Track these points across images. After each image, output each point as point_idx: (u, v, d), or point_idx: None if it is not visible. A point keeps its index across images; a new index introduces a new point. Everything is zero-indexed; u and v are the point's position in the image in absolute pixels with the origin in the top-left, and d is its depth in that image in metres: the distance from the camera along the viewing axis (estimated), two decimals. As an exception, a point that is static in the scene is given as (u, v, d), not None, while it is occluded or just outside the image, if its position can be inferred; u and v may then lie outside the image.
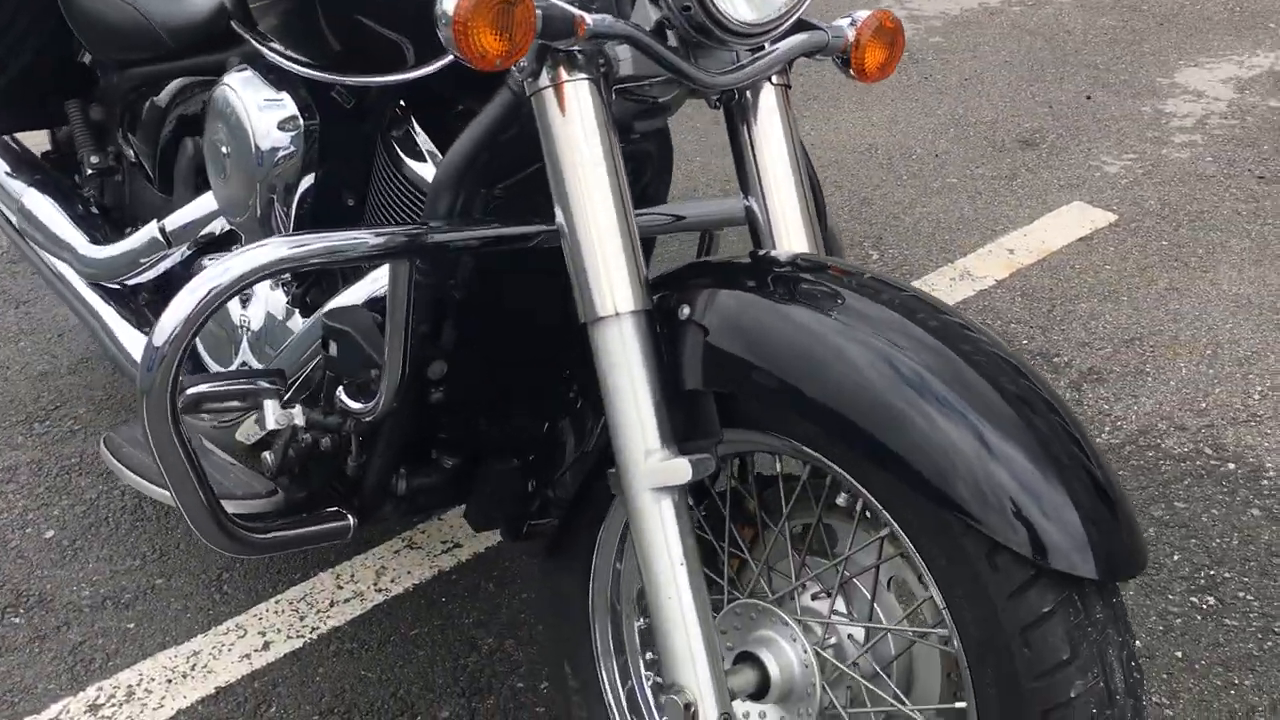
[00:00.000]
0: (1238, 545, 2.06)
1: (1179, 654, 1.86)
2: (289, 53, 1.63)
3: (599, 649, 1.53)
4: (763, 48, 1.39)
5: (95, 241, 2.20)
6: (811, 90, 3.86)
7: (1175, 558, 2.04)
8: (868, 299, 1.23)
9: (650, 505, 1.26)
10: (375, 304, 1.63)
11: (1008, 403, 1.13)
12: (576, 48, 1.25)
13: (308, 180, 1.68)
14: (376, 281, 1.64)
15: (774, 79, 1.44)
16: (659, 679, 1.54)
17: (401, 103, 1.64)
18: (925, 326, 1.19)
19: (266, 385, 1.54)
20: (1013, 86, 4.00)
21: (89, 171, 2.32)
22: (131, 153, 2.21)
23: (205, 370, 2.00)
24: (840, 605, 1.33)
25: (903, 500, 1.15)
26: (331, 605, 2.05)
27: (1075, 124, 3.74)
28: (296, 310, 1.79)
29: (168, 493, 1.58)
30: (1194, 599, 1.96)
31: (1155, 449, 2.30)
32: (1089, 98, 3.90)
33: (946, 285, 2.90)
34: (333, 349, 1.54)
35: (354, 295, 1.64)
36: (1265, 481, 2.21)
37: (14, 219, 2.34)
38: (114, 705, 1.86)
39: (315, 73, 1.59)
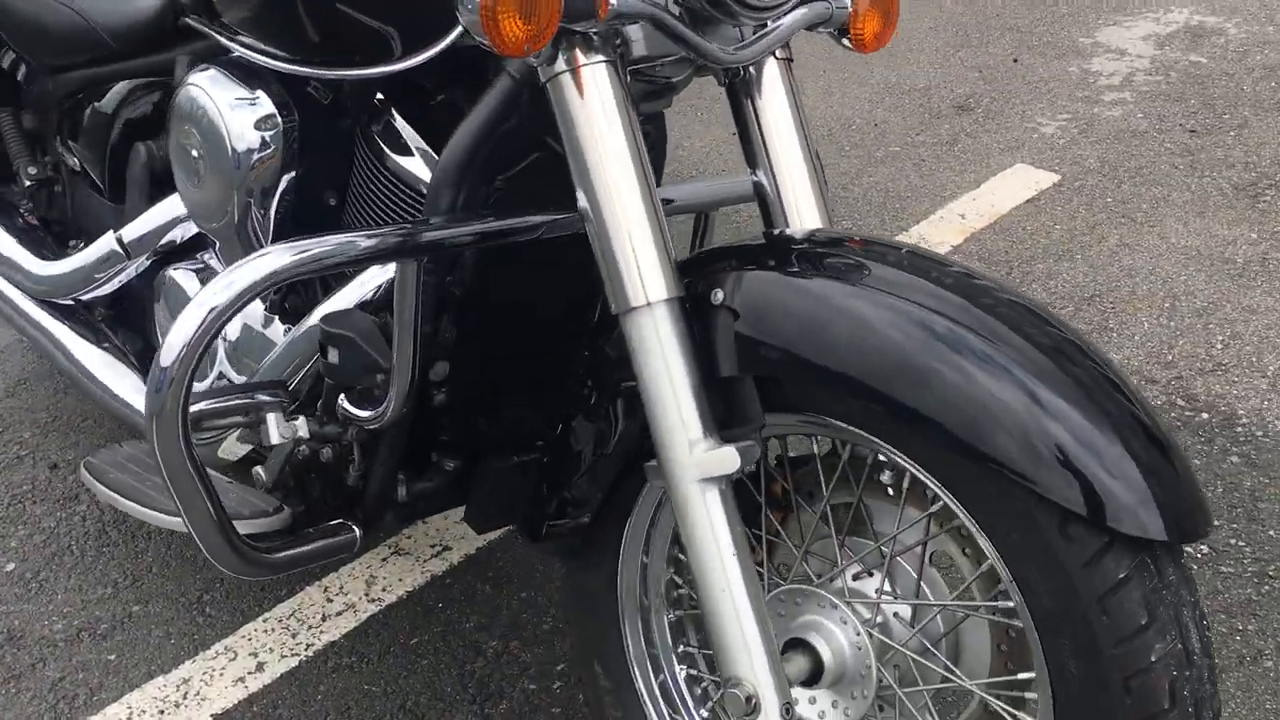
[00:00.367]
0: (1223, 493, 2.09)
1: (1180, 604, 1.88)
2: (262, 46, 1.55)
3: (630, 646, 1.49)
4: (767, 23, 1.36)
5: (43, 257, 2.09)
6: (744, 65, 3.84)
7: (1163, 510, 2.07)
8: (892, 267, 1.22)
9: (697, 497, 1.23)
10: (366, 307, 1.57)
11: (1050, 357, 1.12)
12: (594, 30, 1.21)
13: (287, 181, 1.61)
14: (365, 285, 1.58)
15: (777, 53, 1.42)
16: (692, 671, 1.51)
17: (380, 96, 1.58)
18: (954, 288, 1.18)
19: (268, 398, 1.48)
20: (941, 53, 4.03)
21: (26, 184, 2.20)
22: (74, 161, 2.10)
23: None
24: (884, 584, 1.32)
25: (965, 477, 1.13)
26: (323, 620, 1.98)
27: (1006, 88, 3.78)
28: (276, 318, 1.72)
29: (164, 516, 1.52)
30: (1188, 549, 1.99)
31: (1129, 404, 2.33)
32: (1016, 60, 3.95)
33: (903, 254, 2.90)
34: (333, 355, 1.47)
35: (345, 299, 1.58)
36: (1239, 429, 2.26)
37: (-53, 238, 2.22)
38: (107, 742, 1.78)
39: (293, 67, 1.52)
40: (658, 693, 1.49)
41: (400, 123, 1.56)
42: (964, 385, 1.10)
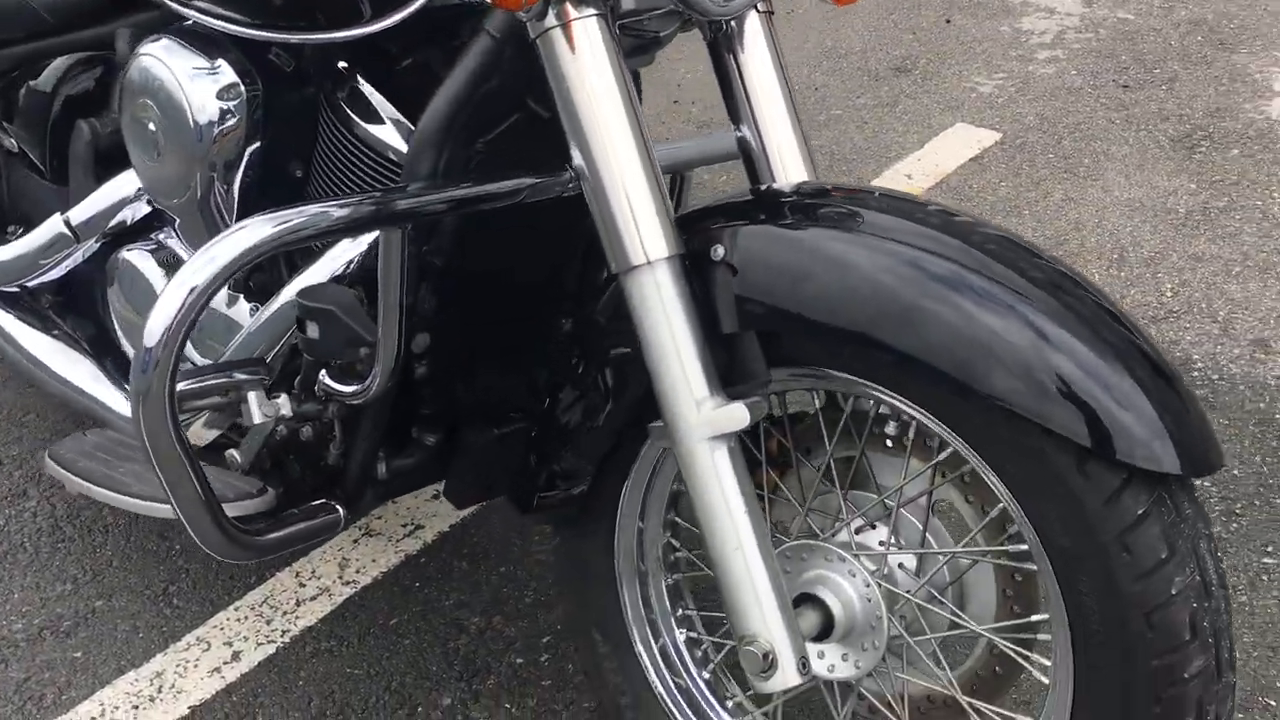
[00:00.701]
0: (1185, 437, 2.13)
1: (1152, 546, 1.92)
2: (220, 11, 1.49)
3: (629, 611, 1.48)
4: (749, -25, 1.35)
5: (-19, 243, 2.00)
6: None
7: (1128, 455, 2.10)
8: (881, 213, 1.22)
9: (705, 455, 1.21)
10: (341, 281, 1.53)
11: (1048, 291, 1.12)
12: (585, -19, 1.18)
13: (251, 153, 1.56)
14: (336, 260, 1.53)
15: (759, 5, 1.40)
16: (691, 634, 1.51)
17: (343, 62, 1.53)
18: (943, 228, 1.19)
19: (247, 376, 1.43)
20: (874, 16, 4.04)
21: (-42, 168, 2.11)
22: (12, 143, 2.01)
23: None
24: (886, 535, 1.32)
25: (975, 420, 1.13)
26: (298, 605, 1.93)
27: (941, 48, 3.80)
28: (241, 298, 1.67)
29: (144, 502, 1.47)
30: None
31: (1086, 354, 2.36)
32: (949, 21, 3.98)
33: (854, 215, 2.91)
34: (312, 330, 1.42)
35: (318, 274, 1.53)
36: (1195, 373, 2.30)
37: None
38: (81, 741, 1.73)
39: (255, 31, 1.47)
40: (658, 656, 1.48)
41: (368, 89, 1.52)
42: (964, 324, 1.10)
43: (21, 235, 1.96)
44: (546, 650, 1.82)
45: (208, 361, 1.69)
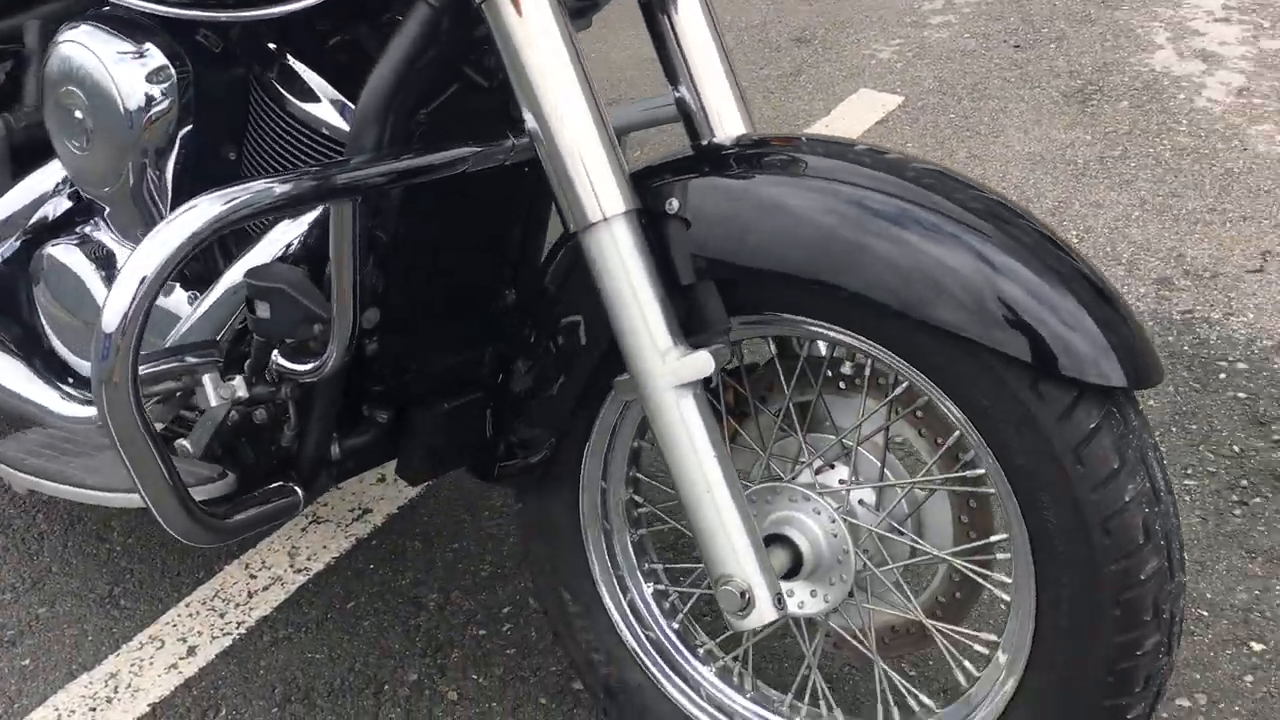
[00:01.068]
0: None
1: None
2: None
3: (595, 568, 1.50)
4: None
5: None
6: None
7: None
8: (819, 157, 1.26)
9: (671, 404, 1.24)
10: (285, 261, 1.52)
11: (986, 220, 1.17)
12: (527, -56, 1.20)
13: (184, 137, 1.54)
14: (276, 243, 1.52)
15: (689, -33, 1.43)
16: (658, 586, 1.54)
17: (272, 40, 1.52)
18: (877, 166, 1.24)
19: (198, 359, 1.42)
20: (769, -11, 4.11)
21: None
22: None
23: (64, 371, 1.82)
24: (846, 474, 1.36)
25: (930, 351, 1.18)
26: (250, 596, 1.92)
27: (837, 18, 3.88)
28: (178, 286, 1.64)
29: (103, 493, 1.45)
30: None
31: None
32: (842, -8, 4.06)
33: (768, 182, 2.97)
34: (263, 310, 1.41)
35: (261, 256, 1.52)
36: (1107, 314, 2.40)
37: None
38: (40, 747, 1.69)
39: (185, 11, 1.45)
40: (628, 611, 1.51)
41: (299, 66, 1.51)
42: (911, 256, 1.15)
43: (-65, 239, 1.90)
44: (508, 620, 1.83)
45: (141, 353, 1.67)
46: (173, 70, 1.50)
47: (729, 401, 1.42)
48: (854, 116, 3.26)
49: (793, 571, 1.34)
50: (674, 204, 1.25)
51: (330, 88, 1.49)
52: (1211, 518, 1.91)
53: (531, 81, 1.23)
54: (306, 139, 1.49)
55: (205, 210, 1.22)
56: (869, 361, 1.29)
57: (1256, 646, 1.70)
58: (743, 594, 1.24)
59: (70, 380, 1.79)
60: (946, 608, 1.36)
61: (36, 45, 1.76)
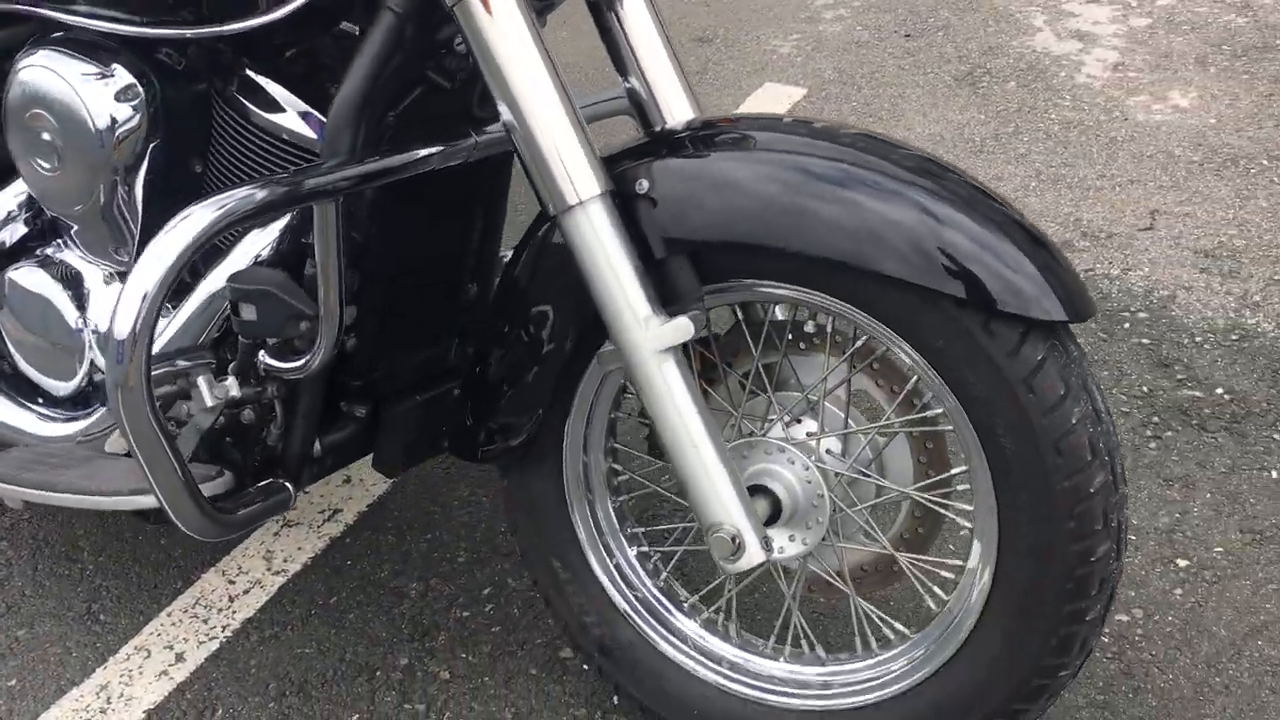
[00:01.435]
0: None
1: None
2: (106, 13, 1.52)
3: (583, 536, 1.59)
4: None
5: None
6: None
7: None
8: (762, 132, 1.37)
9: (655, 369, 1.34)
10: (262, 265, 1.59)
11: (921, 176, 1.29)
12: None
13: (153, 153, 1.59)
14: (247, 253, 1.58)
15: (630, -35, 1.53)
16: (641, 549, 1.63)
17: (232, 54, 1.58)
18: (818, 135, 1.35)
19: (190, 363, 1.47)
20: (666, -8, 4.24)
21: None
22: None
23: (33, 391, 1.84)
24: (814, 426, 1.48)
25: (892, 304, 1.29)
26: (231, 601, 1.96)
27: (736, 17, 4.03)
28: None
29: (109, 498, 1.50)
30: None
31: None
32: (737, -8, 4.21)
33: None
34: (249, 313, 1.47)
35: (238, 263, 1.58)
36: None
37: None
38: (42, 761, 1.72)
39: (149, 30, 1.50)
40: (615, 574, 1.60)
41: (261, 79, 1.57)
42: (856, 214, 1.25)
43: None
44: (489, 601, 1.91)
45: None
46: (140, 88, 1.55)
47: (696, 369, 1.52)
48: (762, 109, 3.39)
49: (772, 519, 1.45)
50: (644, 184, 1.34)
51: (293, 97, 1.55)
52: (1130, 452, 2.07)
53: (505, 76, 1.32)
54: (271, 148, 1.55)
55: (203, 215, 1.29)
56: (830, 320, 1.41)
57: (1182, 563, 1.86)
58: (733, 539, 1.34)
59: (40, 400, 1.82)
60: (912, 541, 1.48)
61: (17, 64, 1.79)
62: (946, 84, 3.45)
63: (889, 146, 1.34)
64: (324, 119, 1.48)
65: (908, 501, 1.46)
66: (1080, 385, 1.27)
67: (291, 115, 1.54)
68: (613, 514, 1.61)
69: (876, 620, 1.51)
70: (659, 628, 1.59)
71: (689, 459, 1.35)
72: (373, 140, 1.45)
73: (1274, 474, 2.02)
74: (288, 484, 1.59)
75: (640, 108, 1.57)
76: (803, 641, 1.55)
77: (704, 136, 1.40)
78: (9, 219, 1.81)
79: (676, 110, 1.56)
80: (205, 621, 1.93)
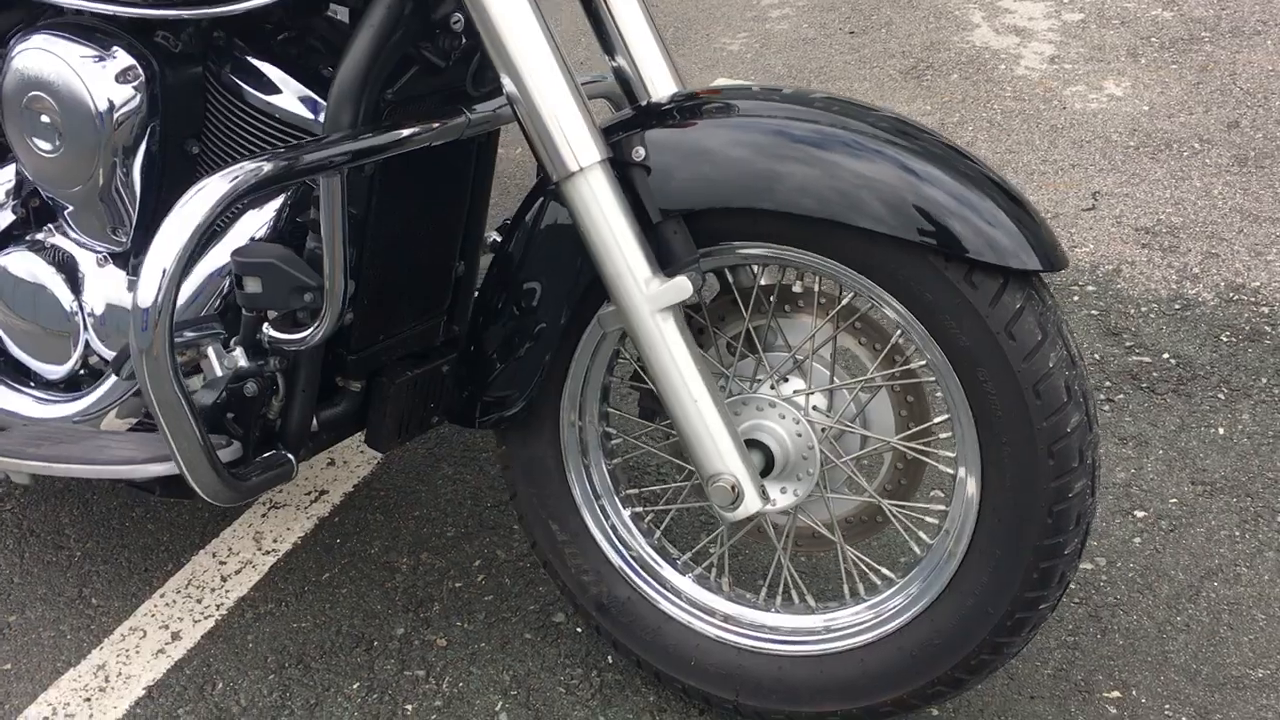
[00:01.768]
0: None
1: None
2: None
3: (579, 498, 1.65)
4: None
5: None
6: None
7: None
8: (743, 101, 1.44)
9: (655, 328, 1.40)
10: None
11: (898, 136, 1.37)
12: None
13: (151, 134, 1.63)
14: (244, 234, 1.62)
15: (615, -51, 1.60)
16: (636, 510, 1.69)
17: (223, 36, 1.62)
18: (793, 101, 1.43)
19: (198, 333, 1.51)
20: (614, -7, 4.31)
21: None
22: None
23: (25, 375, 1.86)
24: (801, 384, 1.55)
25: (882, 262, 1.37)
26: (224, 580, 1.99)
27: (684, 16, 4.11)
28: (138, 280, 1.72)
29: (124, 467, 1.53)
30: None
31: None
32: (683, -8, 4.30)
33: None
34: (253, 286, 1.51)
35: (237, 240, 1.62)
36: (971, 256, 2.67)
37: None
38: (46, 738, 1.74)
39: (149, 11, 1.54)
40: (610, 534, 1.66)
41: (255, 59, 1.61)
42: (836, 172, 1.33)
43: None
44: (480, 572, 1.96)
45: (113, 354, 1.74)
46: (139, 69, 1.58)
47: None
48: (716, 103, 3.48)
49: (765, 472, 1.52)
50: (640, 152, 1.41)
51: (288, 78, 1.59)
52: (1086, 416, 2.18)
53: (508, 49, 1.38)
54: (266, 128, 1.60)
55: (218, 186, 1.34)
56: (817, 281, 1.48)
57: (1140, 514, 1.97)
58: (732, 487, 1.41)
59: (32, 384, 1.84)
60: (895, 491, 1.56)
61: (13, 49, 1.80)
62: (893, 77, 3.57)
63: (862, 109, 1.42)
64: (318, 99, 1.53)
65: (890, 454, 1.54)
66: (1055, 332, 1.36)
67: (286, 96, 1.59)
68: (607, 476, 1.67)
69: (863, 565, 1.58)
70: (655, 583, 1.65)
71: (689, 413, 1.42)
72: (371, 117, 1.50)
73: (1221, 430, 2.14)
74: (289, 455, 1.63)
75: (626, 83, 1.64)
76: (793, 590, 1.63)
77: (690, 106, 1.47)
78: (2, 205, 1.83)
79: (661, 86, 1.63)
80: (199, 601, 1.95)
